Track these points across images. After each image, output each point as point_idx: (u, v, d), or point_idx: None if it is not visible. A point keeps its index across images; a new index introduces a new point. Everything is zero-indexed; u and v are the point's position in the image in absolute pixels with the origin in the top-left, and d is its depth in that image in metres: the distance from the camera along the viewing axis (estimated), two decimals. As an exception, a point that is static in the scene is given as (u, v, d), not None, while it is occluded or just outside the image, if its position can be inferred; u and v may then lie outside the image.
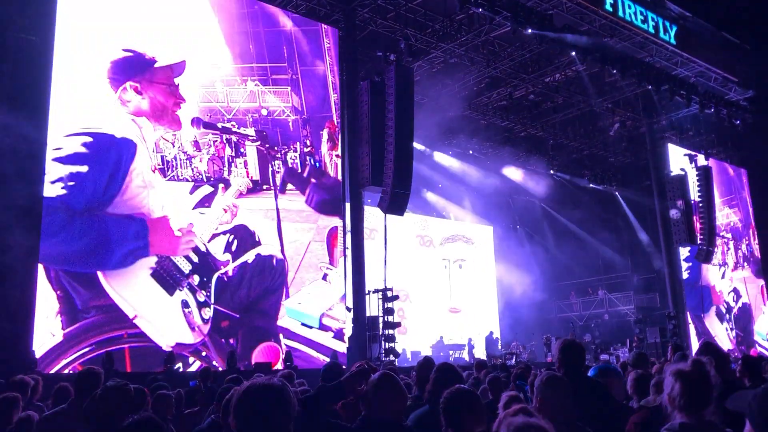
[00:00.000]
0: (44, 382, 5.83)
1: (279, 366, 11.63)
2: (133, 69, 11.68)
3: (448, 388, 3.09)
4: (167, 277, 11.17)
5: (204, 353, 11.31)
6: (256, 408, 2.04)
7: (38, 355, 9.61)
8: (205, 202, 12.02)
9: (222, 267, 11.94)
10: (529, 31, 14.58)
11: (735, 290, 22.29)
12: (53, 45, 10.65)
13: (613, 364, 4.91)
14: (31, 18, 10.57)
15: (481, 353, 21.44)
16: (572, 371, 3.79)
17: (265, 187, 12.88)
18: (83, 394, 4.04)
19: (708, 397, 2.55)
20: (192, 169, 12.03)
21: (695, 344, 19.53)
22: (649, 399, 3.70)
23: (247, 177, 12.71)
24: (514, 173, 23.36)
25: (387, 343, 13.72)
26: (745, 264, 22.95)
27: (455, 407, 2.93)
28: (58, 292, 10.13)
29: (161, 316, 11.04)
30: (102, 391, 3.41)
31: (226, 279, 11.94)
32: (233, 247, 12.18)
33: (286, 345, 12.27)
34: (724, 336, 20.81)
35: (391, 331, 13.92)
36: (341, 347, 13.03)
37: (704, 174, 20.36)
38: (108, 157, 10.98)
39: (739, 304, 22.24)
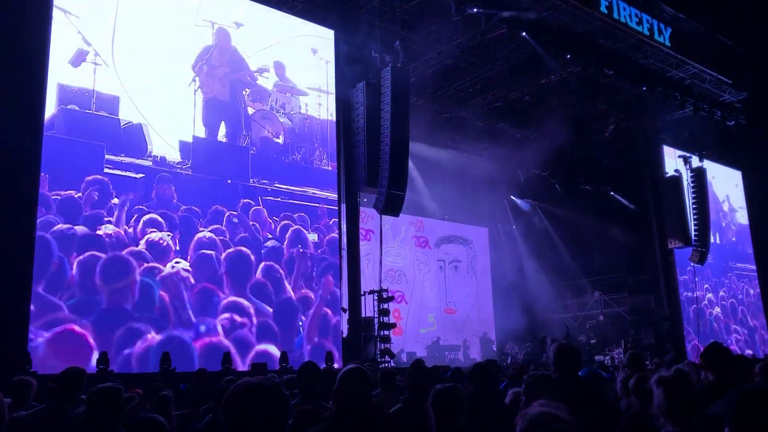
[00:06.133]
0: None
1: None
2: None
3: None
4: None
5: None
6: (248, 407, 2.03)
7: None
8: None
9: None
10: (524, 34, 14.66)
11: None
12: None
13: (599, 370, 4.91)
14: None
15: (476, 354, 21.47)
16: (568, 375, 3.82)
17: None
18: (66, 395, 4.00)
19: (692, 403, 2.58)
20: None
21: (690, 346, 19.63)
22: (632, 402, 3.70)
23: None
24: (509, 175, 23.39)
25: (382, 344, 13.75)
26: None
27: (441, 403, 3.07)
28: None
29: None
30: (92, 393, 3.39)
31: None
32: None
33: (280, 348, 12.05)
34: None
35: (386, 332, 13.95)
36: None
37: (698, 176, 20.47)
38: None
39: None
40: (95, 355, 9.66)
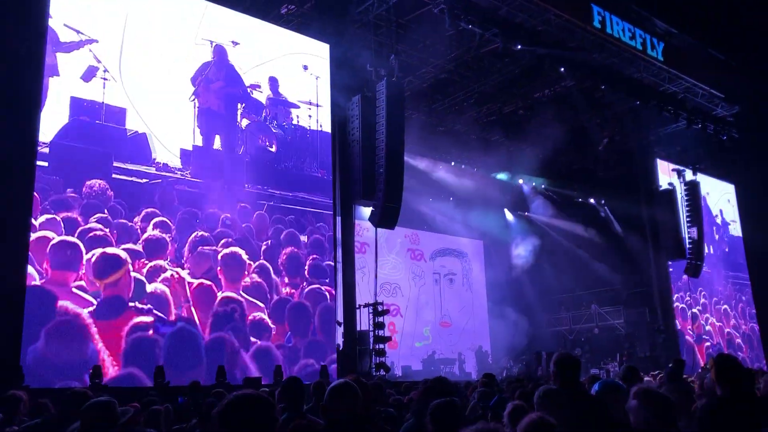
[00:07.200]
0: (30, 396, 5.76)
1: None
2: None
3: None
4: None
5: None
6: (240, 418, 2.09)
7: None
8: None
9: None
10: (519, 47, 14.76)
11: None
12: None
13: (615, 380, 4.85)
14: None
15: (471, 368, 21.41)
16: (567, 385, 3.81)
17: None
18: (66, 412, 3.97)
19: (673, 413, 2.62)
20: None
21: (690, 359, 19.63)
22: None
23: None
24: (504, 188, 23.47)
25: (377, 358, 13.70)
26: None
27: (440, 416, 3.06)
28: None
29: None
30: (87, 406, 3.37)
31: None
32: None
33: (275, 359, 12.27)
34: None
35: (381, 346, 13.90)
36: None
37: (692, 189, 20.57)
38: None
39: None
40: (98, 345, 10.27)
